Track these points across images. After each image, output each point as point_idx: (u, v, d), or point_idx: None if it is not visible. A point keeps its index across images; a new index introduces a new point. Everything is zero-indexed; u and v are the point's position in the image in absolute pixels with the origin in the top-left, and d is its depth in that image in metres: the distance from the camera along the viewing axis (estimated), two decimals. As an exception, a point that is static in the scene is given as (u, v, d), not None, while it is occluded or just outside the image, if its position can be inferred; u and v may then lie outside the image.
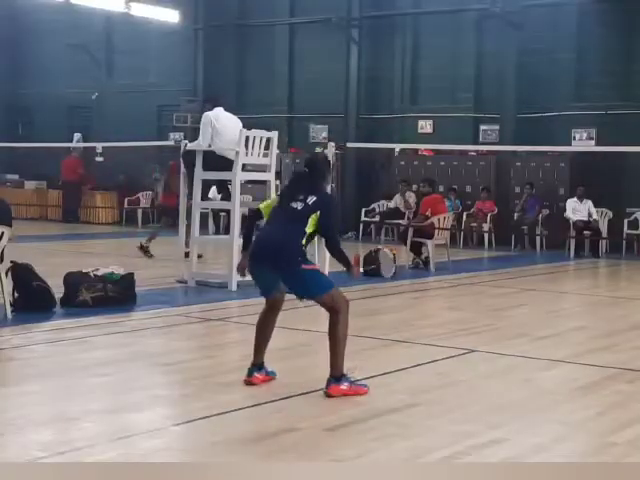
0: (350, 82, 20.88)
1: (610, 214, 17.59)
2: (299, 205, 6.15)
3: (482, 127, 19.58)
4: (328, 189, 6.58)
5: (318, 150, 16.65)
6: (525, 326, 9.08)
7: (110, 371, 6.66)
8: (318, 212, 6.12)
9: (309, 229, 6.13)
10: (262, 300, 10.28)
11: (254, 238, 6.40)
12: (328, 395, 5.98)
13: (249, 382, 6.27)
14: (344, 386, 6.02)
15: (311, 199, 6.15)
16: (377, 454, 4.84)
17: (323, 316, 10.01)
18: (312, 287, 6.19)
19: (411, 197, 18.82)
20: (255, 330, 6.51)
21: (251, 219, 6.67)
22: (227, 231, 12.02)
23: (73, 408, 5.62)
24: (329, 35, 20.87)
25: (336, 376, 6.03)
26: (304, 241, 6.16)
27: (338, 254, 6.28)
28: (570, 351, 7.83)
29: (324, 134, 21.29)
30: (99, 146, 22.19)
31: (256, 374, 6.32)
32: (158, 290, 10.80)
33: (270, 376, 6.43)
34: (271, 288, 6.38)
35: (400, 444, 5.03)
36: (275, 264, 6.11)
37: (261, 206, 6.53)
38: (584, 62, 18.47)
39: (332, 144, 11.40)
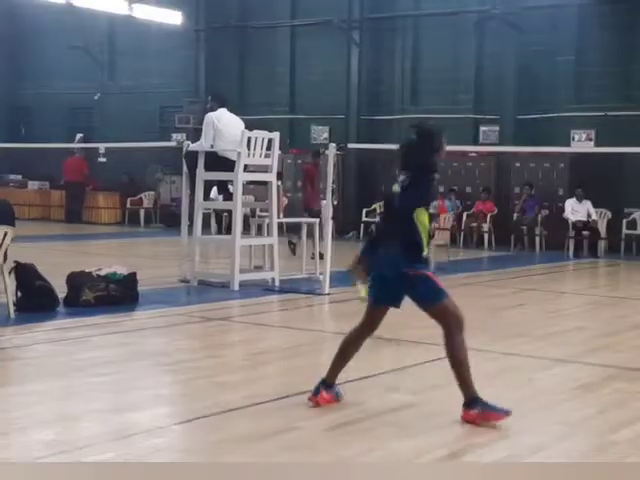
0: (351, 83, 20.92)
1: (609, 214, 17.62)
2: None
3: (482, 128, 19.62)
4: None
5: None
6: (525, 326, 9.09)
7: (112, 370, 6.68)
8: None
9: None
10: (263, 299, 10.43)
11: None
12: (463, 420, 5.48)
13: (314, 401, 5.74)
14: (474, 412, 5.43)
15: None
16: (377, 454, 4.85)
17: (323, 316, 10.10)
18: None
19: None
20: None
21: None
22: (228, 231, 12.06)
23: (75, 407, 5.64)
24: (330, 37, 20.92)
25: (465, 401, 5.50)
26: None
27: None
28: (570, 351, 7.85)
29: (325, 135, 21.33)
30: (102, 147, 22.24)
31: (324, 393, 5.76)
32: (160, 290, 10.82)
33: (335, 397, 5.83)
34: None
35: (400, 444, 5.04)
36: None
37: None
38: (584, 64, 18.50)
39: (333, 145, 11.42)
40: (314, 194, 15.57)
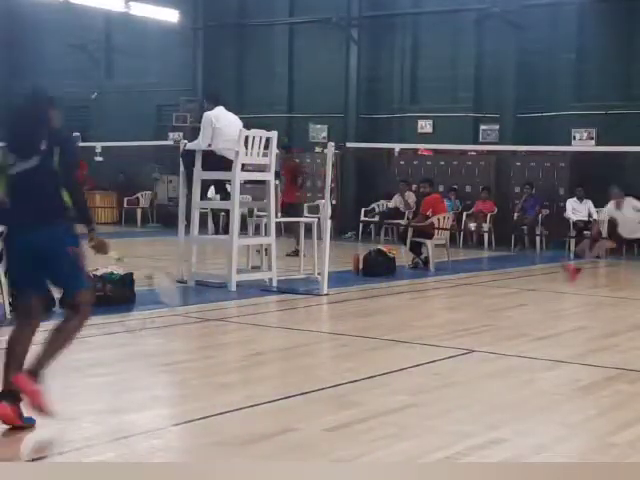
0: (350, 82, 20.89)
1: (610, 214, 17.58)
2: (35, 160, 5.11)
3: (482, 127, 19.59)
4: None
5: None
6: (525, 326, 9.06)
7: (109, 371, 6.64)
8: (58, 151, 5.14)
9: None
10: (261, 300, 10.39)
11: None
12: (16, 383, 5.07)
13: None
14: (35, 385, 5.07)
15: (42, 143, 5.13)
16: (377, 454, 4.82)
17: (321, 316, 10.06)
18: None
19: (410, 197, 18.82)
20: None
21: None
22: (226, 231, 12.02)
23: (72, 408, 5.60)
24: (329, 35, 20.88)
25: (36, 372, 5.10)
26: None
27: (84, 204, 5.31)
28: (570, 351, 7.82)
29: (323, 134, 21.30)
30: (98, 146, 22.19)
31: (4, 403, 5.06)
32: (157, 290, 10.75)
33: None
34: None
35: (400, 444, 5.01)
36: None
37: None
38: (584, 62, 18.49)
39: (331, 144, 11.38)
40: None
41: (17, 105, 5.54)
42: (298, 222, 13.23)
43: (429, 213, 14.27)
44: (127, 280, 9.65)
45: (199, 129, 11.47)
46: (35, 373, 5.09)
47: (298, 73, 21.76)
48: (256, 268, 12.06)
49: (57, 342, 5.23)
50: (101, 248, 5.50)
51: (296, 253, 14.07)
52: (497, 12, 18.82)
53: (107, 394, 6.10)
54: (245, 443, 4.97)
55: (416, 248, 14.11)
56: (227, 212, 11.97)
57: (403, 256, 14.27)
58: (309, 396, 6.01)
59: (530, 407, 5.96)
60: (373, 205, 20.01)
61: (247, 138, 10.93)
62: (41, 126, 5.23)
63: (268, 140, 11.20)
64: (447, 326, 8.97)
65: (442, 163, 19.64)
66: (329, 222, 10.91)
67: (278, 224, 12.59)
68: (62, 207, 5.17)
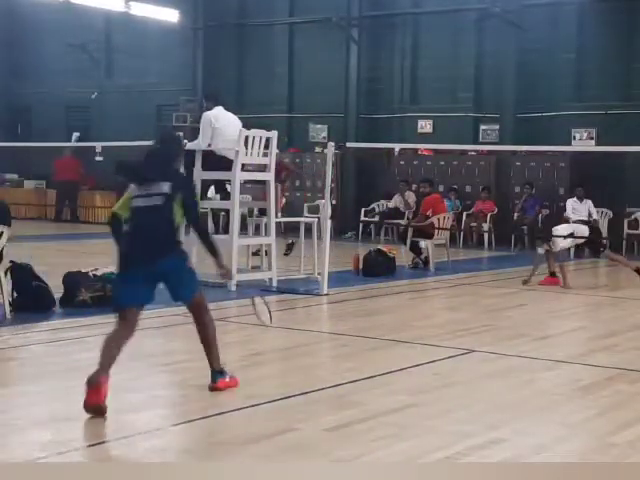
0: (350, 82, 20.89)
1: (610, 214, 17.59)
2: (159, 199, 5.84)
3: (482, 127, 19.58)
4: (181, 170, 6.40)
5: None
6: (525, 326, 9.07)
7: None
8: (180, 196, 5.85)
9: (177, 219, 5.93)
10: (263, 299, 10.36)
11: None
12: (217, 389, 6.02)
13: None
14: (227, 379, 6.09)
15: (166, 185, 5.83)
16: (377, 454, 4.83)
17: (321, 316, 10.06)
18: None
19: (410, 197, 18.81)
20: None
21: (115, 227, 6.10)
22: (226, 231, 12.03)
23: (73, 408, 5.60)
24: (329, 35, 20.87)
25: (221, 370, 6.10)
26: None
27: (210, 240, 6.27)
28: (570, 351, 7.83)
29: (324, 134, 21.30)
30: (98, 146, 22.16)
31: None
32: (157, 290, 10.74)
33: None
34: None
35: (400, 444, 5.01)
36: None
37: (116, 209, 6.08)
38: (584, 62, 18.48)
39: (331, 144, 11.37)
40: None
41: (152, 146, 6.27)
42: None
43: (429, 213, 14.27)
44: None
45: (199, 129, 11.47)
46: (219, 370, 6.07)
47: (298, 73, 21.75)
48: (256, 268, 12.05)
49: (209, 337, 6.13)
50: (227, 275, 6.65)
51: (288, 250, 14.28)
52: (497, 12, 18.81)
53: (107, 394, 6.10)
54: (245, 443, 4.97)
55: (416, 248, 14.11)
56: (227, 212, 11.97)
57: (403, 256, 14.27)
58: (309, 396, 6.02)
59: (530, 407, 5.96)
60: (373, 205, 20.01)
61: (247, 138, 10.94)
62: (169, 170, 5.99)
63: (268, 140, 11.21)
64: (447, 326, 8.97)
65: (442, 163, 19.63)
66: (329, 222, 10.91)
67: (278, 224, 12.60)
68: (176, 240, 5.99)
